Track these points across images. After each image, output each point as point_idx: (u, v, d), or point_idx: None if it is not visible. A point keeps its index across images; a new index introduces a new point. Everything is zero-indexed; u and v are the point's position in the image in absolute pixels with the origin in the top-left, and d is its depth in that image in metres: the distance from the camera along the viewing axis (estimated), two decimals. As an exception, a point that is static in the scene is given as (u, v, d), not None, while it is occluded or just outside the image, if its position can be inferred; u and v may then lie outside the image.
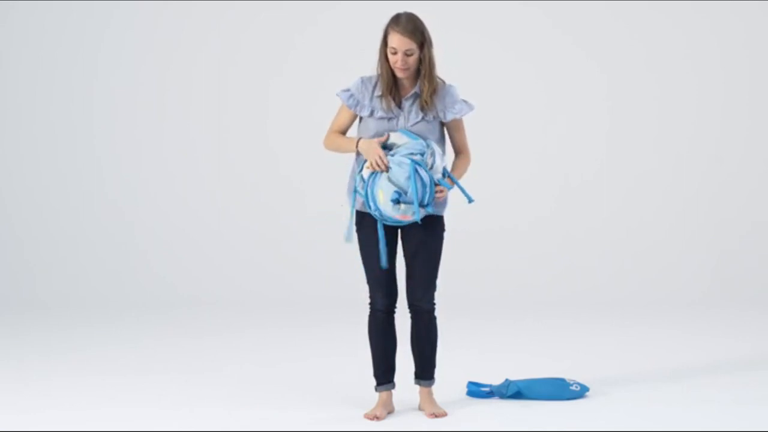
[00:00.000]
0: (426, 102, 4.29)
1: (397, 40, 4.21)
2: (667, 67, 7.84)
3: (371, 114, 4.33)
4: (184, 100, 7.98)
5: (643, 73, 7.85)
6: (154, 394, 4.78)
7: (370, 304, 4.44)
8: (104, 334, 6.47)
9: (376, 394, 4.49)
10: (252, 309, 7.25)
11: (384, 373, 4.46)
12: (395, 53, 4.23)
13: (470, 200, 4.25)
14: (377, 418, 4.37)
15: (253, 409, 4.48)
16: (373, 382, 4.48)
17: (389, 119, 4.32)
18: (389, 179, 4.15)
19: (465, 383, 4.76)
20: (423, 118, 4.32)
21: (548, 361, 5.40)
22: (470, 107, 4.39)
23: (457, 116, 4.36)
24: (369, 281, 4.41)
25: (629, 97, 7.87)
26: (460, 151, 4.46)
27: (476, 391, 4.67)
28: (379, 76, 4.33)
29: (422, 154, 4.19)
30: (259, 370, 5.30)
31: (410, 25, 4.23)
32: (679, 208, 7.82)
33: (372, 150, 4.21)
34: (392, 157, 4.18)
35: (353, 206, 4.35)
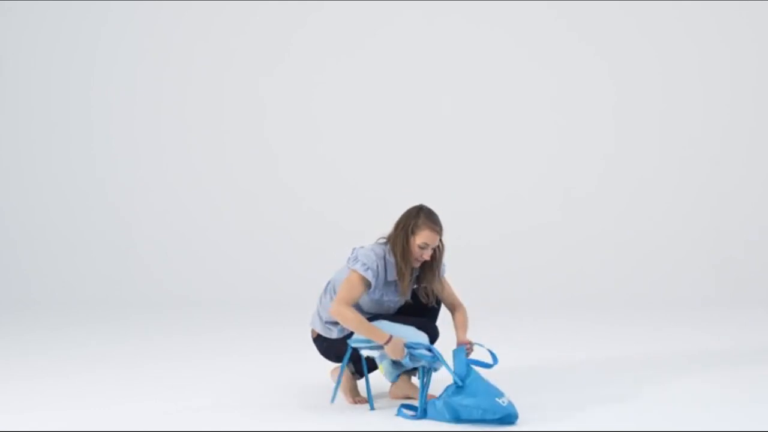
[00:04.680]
0: (426, 291, 4.33)
1: (430, 237, 4.21)
2: (671, 73, 7.84)
3: (380, 297, 4.31)
4: (181, 102, 7.98)
5: (646, 79, 7.85)
6: (153, 394, 4.78)
7: None
8: (104, 334, 6.47)
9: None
10: (249, 310, 7.25)
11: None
12: (425, 248, 4.22)
13: (495, 362, 4.28)
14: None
15: (252, 409, 4.47)
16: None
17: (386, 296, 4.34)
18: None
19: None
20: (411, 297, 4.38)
21: (549, 360, 5.40)
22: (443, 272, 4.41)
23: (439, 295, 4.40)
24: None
25: (633, 103, 7.87)
26: (453, 307, 4.45)
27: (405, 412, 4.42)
28: (390, 263, 4.26)
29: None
30: (257, 370, 5.29)
31: (438, 221, 4.26)
32: (683, 213, 7.82)
33: (399, 352, 4.16)
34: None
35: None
